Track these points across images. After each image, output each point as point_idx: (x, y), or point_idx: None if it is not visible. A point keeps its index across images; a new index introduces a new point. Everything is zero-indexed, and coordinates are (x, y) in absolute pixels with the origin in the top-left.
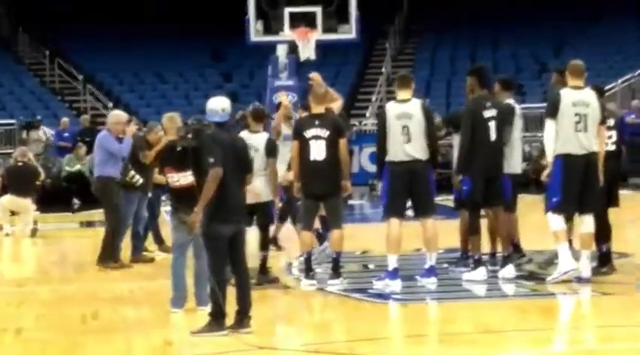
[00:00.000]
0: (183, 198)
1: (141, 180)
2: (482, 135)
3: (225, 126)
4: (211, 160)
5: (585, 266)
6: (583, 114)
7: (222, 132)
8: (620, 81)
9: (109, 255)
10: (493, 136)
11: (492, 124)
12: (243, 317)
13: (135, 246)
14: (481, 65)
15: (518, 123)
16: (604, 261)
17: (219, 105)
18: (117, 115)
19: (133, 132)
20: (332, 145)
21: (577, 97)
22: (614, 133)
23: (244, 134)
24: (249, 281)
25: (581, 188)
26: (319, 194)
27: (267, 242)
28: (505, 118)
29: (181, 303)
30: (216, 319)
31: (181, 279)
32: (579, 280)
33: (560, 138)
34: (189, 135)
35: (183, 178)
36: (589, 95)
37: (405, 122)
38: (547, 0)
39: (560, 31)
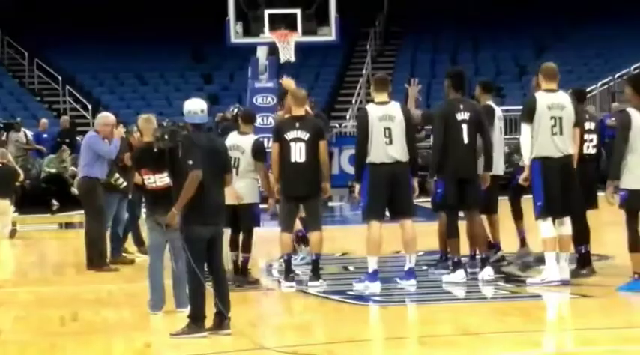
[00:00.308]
0: (159, 200)
1: (125, 184)
2: (456, 138)
3: (203, 128)
4: (190, 162)
5: (564, 269)
6: (558, 117)
7: (201, 134)
8: (599, 84)
9: (99, 258)
10: (466, 139)
11: (465, 127)
12: (222, 319)
13: (113, 247)
14: (459, 69)
15: (497, 125)
16: (583, 263)
17: (197, 106)
18: (105, 117)
19: (121, 134)
20: (312, 147)
21: (552, 100)
22: (594, 137)
23: (233, 135)
24: (227, 282)
25: (562, 190)
26: (299, 196)
27: (249, 244)
28: (479, 121)
29: (160, 306)
30: (196, 321)
31: (159, 282)
32: (559, 282)
33: (537, 142)
34: (165, 137)
35: (160, 180)
36: (563, 98)
37: (388, 124)
38: (527, 3)
39: (540, 34)
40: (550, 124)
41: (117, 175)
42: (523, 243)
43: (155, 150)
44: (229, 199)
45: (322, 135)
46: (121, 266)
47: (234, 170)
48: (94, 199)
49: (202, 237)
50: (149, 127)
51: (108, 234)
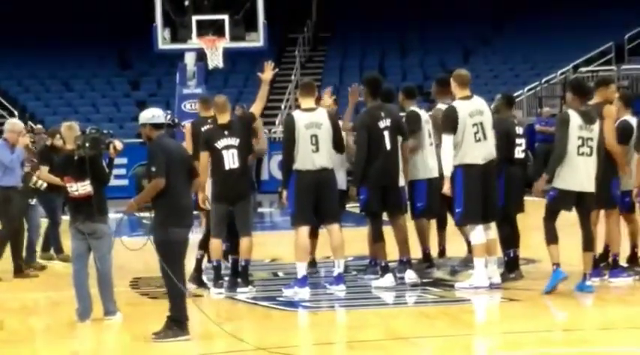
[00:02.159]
0: (81, 208)
1: (45, 185)
2: (379, 145)
3: (165, 133)
4: (153, 169)
5: (494, 273)
6: (480, 122)
7: (168, 139)
8: (526, 89)
9: (21, 263)
10: (388, 146)
11: (387, 134)
12: (179, 324)
13: (27, 253)
14: (374, 75)
15: (426, 129)
16: (512, 267)
17: (158, 111)
18: (12, 124)
19: (25, 142)
20: (243, 152)
21: (471, 107)
22: (523, 141)
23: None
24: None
25: (484, 196)
26: (233, 201)
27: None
28: (400, 127)
29: (87, 314)
30: (178, 324)
31: (85, 290)
32: (489, 286)
33: (460, 150)
34: (86, 145)
35: (82, 188)
36: (480, 103)
37: (314, 131)
38: (454, 9)
39: (466, 39)
40: (473, 131)
41: (34, 179)
42: (443, 253)
43: (75, 158)
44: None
45: (251, 135)
46: (39, 273)
47: None
48: (8, 208)
49: (180, 239)
50: (71, 135)
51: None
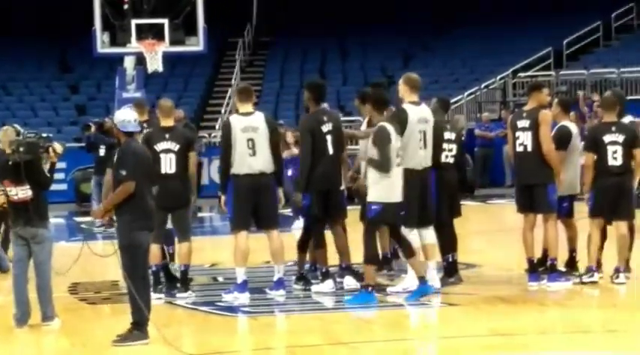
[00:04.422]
0: (21, 212)
1: None
2: (322, 150)
3: (135, 137)
4: (124, 172)
5: (433, 277)
6: (424, 130)
7: (136, 142)
8: (466, 94)
9: None
10: (331, 150)
11: (329, 138)
12: (141, 328)
13: None
14: (317, 80)
15: None
16: (450, 271)
17: (131, 115)
18: None
19: None
20: (181, 158)
21: (420, 114)
22: (454, 147)
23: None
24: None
25: (421, 201)
26: (169, 207)
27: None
28: (342, 131)
29: (25, 319)
30: (139, 327)
31: (24, 295)
32: None
33: (405, 154)
34: (21, 149)
35: (22, 192)
36: (427, 111)
37: (251, 135)
38: (395, 13)
39: (407, 44)
40: (418, 138)
41: None
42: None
43: (10, 162)
44: None
45: (192, 146)
46: None
47: None
48: None
49: (145, 242)
50: (6, 140)
51: None
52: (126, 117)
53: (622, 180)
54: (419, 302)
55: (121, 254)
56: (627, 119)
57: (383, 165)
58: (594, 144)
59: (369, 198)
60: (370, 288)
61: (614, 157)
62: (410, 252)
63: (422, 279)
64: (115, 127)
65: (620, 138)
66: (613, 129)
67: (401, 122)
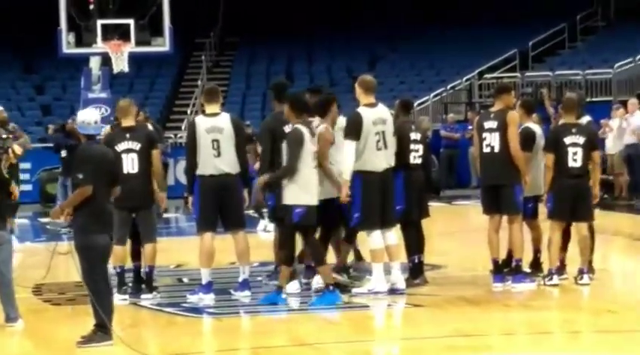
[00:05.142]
0: None
1: None
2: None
3: (96, 139)
4: (80, 176)
5: (398, 278)
6: (382, 131)
7: (94, 145)
8: (432, 95)
9: None
10: None
11: None
12: (104, 330)
13: None
14: (282, 80)
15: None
16: (416, 272)
17: (92, 117)
18: None
19: None
20: (144, 158)
21: (375, 115)
22: (420, 147)
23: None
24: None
25: (382, 203)
26: (132, 207)
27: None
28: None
29: None
30: (102, 329)
31: None
32: (393, 292)
33: (362, 157)
34: None
35: None
36: (384, 111)
37: (215, 136)
38: (360, 14)
39: (373, 45)
40: (375, 140)
41: None
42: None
43: None
44: None
45: (154, 145)
46: None
47: None
48: None
49: (101, 245)
50: None
51: None
52: (86, 118)
53: (581, 181)
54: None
55: (79, 256)
56: (585, 120)
57: (290, 167)
58: (555, 145)
59: (288, 201)
60: (332, 287)
61: (574, 159)
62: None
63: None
64: (76, 129)
65: (581, 139)
66: (574, 130)
67: (355, 125)
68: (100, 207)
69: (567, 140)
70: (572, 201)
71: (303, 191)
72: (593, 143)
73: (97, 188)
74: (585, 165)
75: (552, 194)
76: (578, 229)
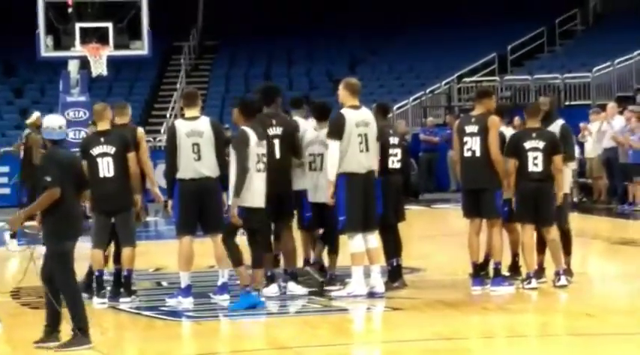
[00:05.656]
0: None
1: None
2: (269, 153)
3: (61, 144)
4: (48, 179)
5: (378, 281)
6: (364, 133)
7: (60, 150)
8: (411, 98)
9: None
10: (278, 154)
11: (277, 142)
12: (81, 333)
13: None
14: (269, 84)
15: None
16: (395, 275)
17: (56, 122)
18: None
19: None
20: (120, 161)
21: (359, 118)
22: (399, 151)
23: None
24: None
25: (364, 206)
26: (110, 210)
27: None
28: (292, 136)
29: None
30: (80, 332)
31: None
32: (373, 295)
33: (344, 159)
34: None
35: None
36: (367, 114)
37: (196, 140)
38: (341, 18)
39: (353, 49)
40: (358, 141)
41: None
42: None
43: None
44: None
45: (129, 148)
46: None
47: None
48: None
49: (72, 249)
50: None
51: None
52: (50, 124)
53: (542, 185)
54: (244, 312)
55: (53, 262)
56: (558, 123)
57: (242, 170)
58: (515, 149)
59: (230, 201)
60: (248, 289)
61: (535, 163)
62: (238, 261)
63: (246, 288)
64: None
65: (541, 144)
66: (533, 135)
67: (337, 126)
68: (70, 211)
69: (527, 145)
70: (533, 205)
71: (245, 191)
72: (554, 147)
73: (66, 192)
74: (547, 169)
75: (515, 197)
76: (546, 233)
